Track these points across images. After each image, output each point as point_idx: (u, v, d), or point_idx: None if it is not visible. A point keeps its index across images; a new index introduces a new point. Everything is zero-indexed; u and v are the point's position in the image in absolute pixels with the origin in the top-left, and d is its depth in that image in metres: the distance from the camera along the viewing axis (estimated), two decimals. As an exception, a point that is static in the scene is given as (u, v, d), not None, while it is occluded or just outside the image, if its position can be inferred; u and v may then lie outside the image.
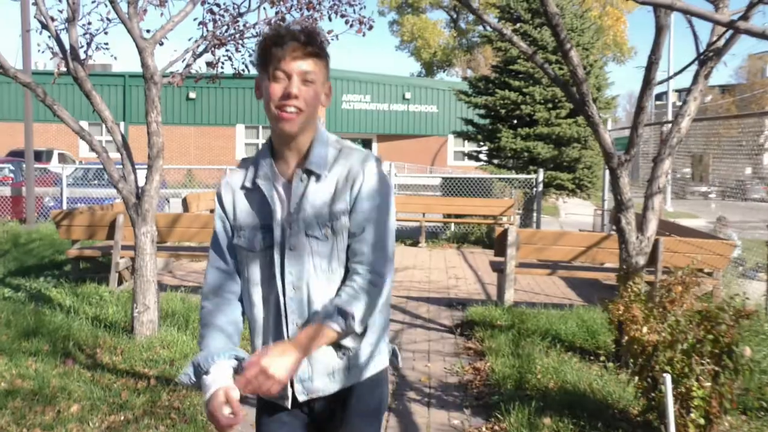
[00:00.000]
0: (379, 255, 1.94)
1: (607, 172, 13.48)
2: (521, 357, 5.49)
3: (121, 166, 5.85)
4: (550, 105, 15.36)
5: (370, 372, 2.05)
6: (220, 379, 1.84)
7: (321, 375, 1.98)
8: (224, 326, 1.97)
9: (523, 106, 15.33)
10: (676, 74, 5.94)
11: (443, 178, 16.03)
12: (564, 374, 5.10)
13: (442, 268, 10.58)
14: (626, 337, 3.88)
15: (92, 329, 5.91)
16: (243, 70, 8.16)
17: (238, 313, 2.03)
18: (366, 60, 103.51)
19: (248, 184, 2.01)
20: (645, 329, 3.79)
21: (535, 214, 13.98)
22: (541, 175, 13.43)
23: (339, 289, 1.94)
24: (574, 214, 22.37)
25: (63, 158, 24.77)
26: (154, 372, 5.00)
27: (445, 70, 57.77)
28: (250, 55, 8.16)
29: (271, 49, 1.89)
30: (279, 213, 1.96)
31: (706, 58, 5.20)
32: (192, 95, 33.34)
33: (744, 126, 10.28)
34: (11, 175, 16.51)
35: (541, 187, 13.52)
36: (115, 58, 7.52)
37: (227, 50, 8.03)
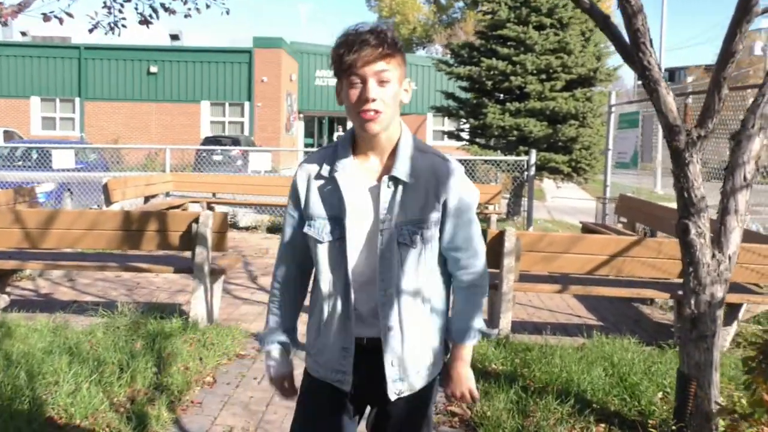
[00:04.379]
0: (483, 266, 2.06)
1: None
2: (534, 440, 3.58)
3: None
4: (543, 76, 13.34)
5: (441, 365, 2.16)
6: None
7: (412, 373, 2.03)
8: (280, 308, 2.16)
9: (512, 78, 13.31)
10: None
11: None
12: (604, 476, 3.21)
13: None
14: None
15: None
16: (150, 16, 6.14)
17: (295, 297, 2.17)
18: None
19: (325, 174, 1.99)
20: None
21: (525, 202, 12.11)
22: (533, 156, 11.47)
23: (460, 299, 2.09)
24: (563, 198, 20.61)
25: (10, 136, 22.52)
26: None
27: (425, 47, 55.85)
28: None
29: (344, 57, 1.87)
30: (354, 210, 1.95)
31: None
32: (153, 69, 31.00)
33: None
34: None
35: (533, 171, 11.58)
36: None
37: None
